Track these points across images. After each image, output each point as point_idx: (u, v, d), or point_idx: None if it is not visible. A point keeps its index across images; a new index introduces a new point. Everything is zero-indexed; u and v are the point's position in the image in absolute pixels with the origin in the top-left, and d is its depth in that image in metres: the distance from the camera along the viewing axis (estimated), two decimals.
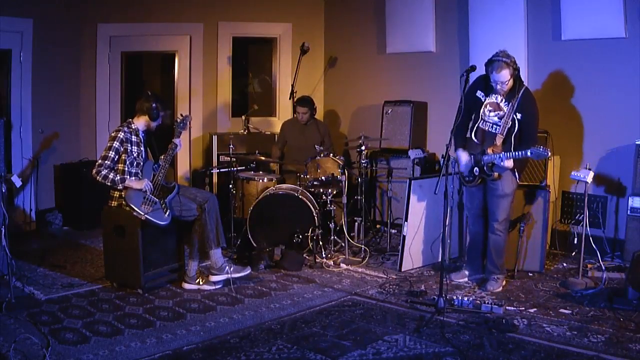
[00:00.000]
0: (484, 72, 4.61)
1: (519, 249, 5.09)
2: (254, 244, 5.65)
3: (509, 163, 4.51)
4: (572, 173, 4.80)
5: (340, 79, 7.88)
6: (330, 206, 5.69)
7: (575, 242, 5.17)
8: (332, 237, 5.69)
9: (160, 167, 4.74)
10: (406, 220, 5.22)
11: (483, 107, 4.64)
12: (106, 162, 4.55)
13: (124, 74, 7.36)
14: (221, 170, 6.92)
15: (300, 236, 5.56)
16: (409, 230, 5.23)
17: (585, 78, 5.68)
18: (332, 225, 5.63)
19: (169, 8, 7.39)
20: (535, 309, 4.30)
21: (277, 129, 7.14)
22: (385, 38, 7.20)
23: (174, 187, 4.71)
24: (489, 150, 4.55)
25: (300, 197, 5.67)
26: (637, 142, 5.22)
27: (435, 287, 4.73)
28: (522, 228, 5.07)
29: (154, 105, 4.74)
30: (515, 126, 4.53)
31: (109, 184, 4.56)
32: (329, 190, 5.75)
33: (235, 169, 6.19)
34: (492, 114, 4.61)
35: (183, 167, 7.60)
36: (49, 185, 6.91)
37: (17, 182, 5.56)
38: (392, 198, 6.14)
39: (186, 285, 4.77)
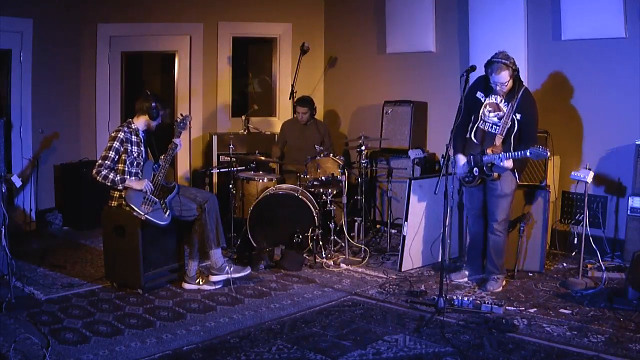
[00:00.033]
0: (483, 73, 4.61)
1: (519, 249, 5.09)
2: (254, 244, 5.65)
3: (509, 163, 4.52)
4: (572, 173, 4.80)
5: (340, 79, 7.88)
6: (330, 206, 5.69)
7: (575, 242, 5.17)
8: (332, 237, 5.69)
9: (161, 167, 4.74)
10: (406, 220, 5.22)
11: (483, 107, 4.65)
12: (106, 162, 4.55)
13: (124, 74, 7.36)
14: (221, 170, 6.92)
15: (300, 236, 5.56)
16: (409, 230, 5.23)
17: (585, 78, 5.68)
18: (332, 225, 5.63)
19: (169, 8, 7.39)
20: (535, 309, 4.30)
21: (277, 129, 7.14)
22: (385, 38, 7.20)
23: (174, 187, 4.71)
24: (489, 151, 4.56)
25: (300, 197, 5.67)
26: (637, 142, 5.22)
27: (435, 287, 4.73)
28: (522, 228, 5.07)
29: (153, 104, 4.74)
30: (514, 126, 4.53)
31: (109, 184, 4.56)
32: (329, 190, 5.75)
33: (235, 169, 6.19)
34: (491, 114, 4.61)
35: (183, 167, 7.60)
36: (49, 185, 6.91)
37: (17, 182, 5.56)
38: (392, 198, 6.14)
39: (186, 285, 4.77)
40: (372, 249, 5.91)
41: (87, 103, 7.18)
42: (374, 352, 3.59)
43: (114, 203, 4.65)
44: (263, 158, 6.20)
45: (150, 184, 4.59)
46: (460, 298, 4.35)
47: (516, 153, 4.43)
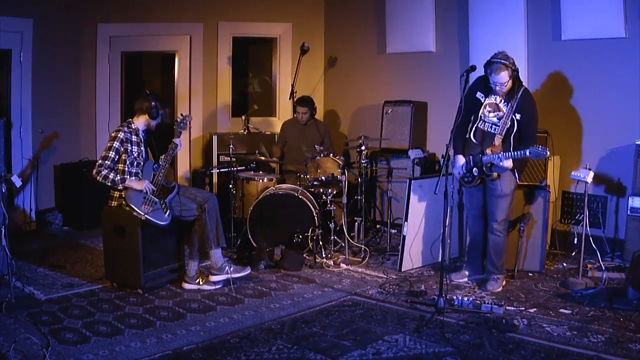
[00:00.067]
0: (483, 73, 4.61)
1: (519, 249, 5.09)
2: (254, 244, 5.65)
3: (508, 163, 4.52)
4: (572, 173, 4.81)
5: (340, 79, 7.88)
6: (330, 206, 5.69)
7: (575, 242, 5.17)
8: (332, 237, 5.69)
9: (161, 167, 4.74)
10: (406, 220, 5.22)
11: (482, 107, 4.65)
12: (106, 162, 4.55)
13: (124, 74, 7.36)
14: (221, 170, 6.92)
15: (300, 236, 5.56)
16: (409, 231, 5.23)
17: (585, 78, 5.68)
18: (332, 225, 5.63)
19: (169, 8, 7.39)
20: (535, 309, 4.30)
21: (277, 129, 7.14)
22: (385, 38, 7.20)
23: (174, 187, 4.71)
24: (488, 151, 4.56)
25: (300, 197, 5.67)
26: (637, 142, 5.22)
27: (435, 287, 4.73)
28: (522, 228, 5.07)
29: (153, 103, 4.74)
30: (514, 127, 4.53)
31: (109, 184, 4.56)
32: (329, 190, 5.75)
33: (235, 169, 6.19)
34: (491, 114, 4.61)
35: (183, 167, 7.60)
36: (49, 185, 6.91)
37: (17, 182, 5.56)
38: (392, 198, 6.14)
39: (186, 285, 4.77)
40: (372, 249, 5.91)
41: (87, 103, 7.18)
42: (374, 352, 3.59)
43: (114, 203, 4.65)
44: (263, 158, 6.19)
45: (151, 185, 4.58)
46: (460, 298, 4.35)
47: (516, 153, 4.43)
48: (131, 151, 4.65)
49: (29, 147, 6.61)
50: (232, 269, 4.75)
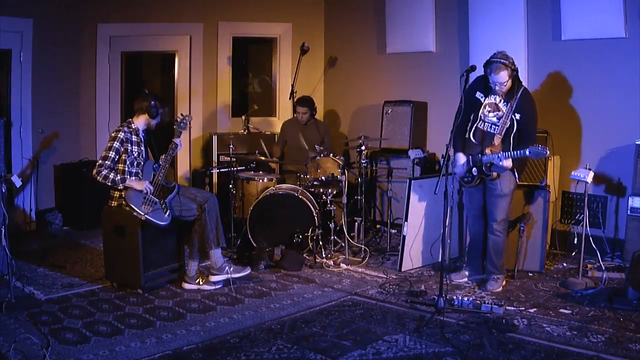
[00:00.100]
0: (482, 73, 4.61)
1: (519, 249, 5.09)
2: (254, 244, 5.65)
3: (508, 163, 4.51)
4: (572, 173, 4.80)
5: (340, 79, 7.88)
6: (330, 206, 5.69)
7: (575, 242, 5.17)
8: (332, 237, 5.69)
9: (161, 167, 4.74)
10: (406, 220, 5.22)
11: (482, 107, 4.65)
12: (106, 162, 4.55)
13: (124, 74, 7.36)
14: (221, 170, 6.92)
15: (300, 236, 5.55)
16: (409, 231, 5.23)
17: (585, 78, 5.68)
18: (332, 225, 5.63)
19: (169, 8, 7.39)
20: (535, 309, 4.30)
21: (277, 129, 7.14)
22: (385, 38, 7.20)
23: (174, 187, 4.71)
24: (488, 151, 4.56)
25: (300, 197, 5.67)
26: (637, 142, 5.22)
27: (435, 287, 4.73)
28: (522, 228, 5.07)
29: (152, 102, 4.74)
30: (513, 126, 4.53)
31: (109, 184, 4.56)
32: (329, 190, 5.75)
33: (235, 169, 6.19)
34: (491, 114, 4.61)
35: (183, 167, 7.60)
36: (49, 185, 6.91)
37: (17, 182, 5.56)
38: (392, 198, 6.14)
39: (186, 285, 4.77)
40: (372, 249, 5.91)
41: (87, 103, 7.18)
42: (374, 352, 3.59)
43: (114, 203, 4.65)
44: (263, 158, 6.20)
45: (151, 186, 4.58)
46: (460, 298, 4.35)
47: (516, 152, 4.43)
48: (131, 151, 4.65)
49: (29, 147, 6.61)
50: (232, 269, 4.75)
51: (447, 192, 4.17)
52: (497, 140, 4.55)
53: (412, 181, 5.22)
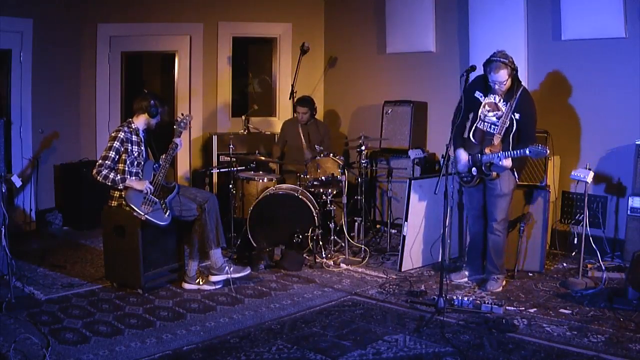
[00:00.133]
0: (482, 73, 4.61)
1: (519, 249, 5.09)
2: (254, 244, 5.65)
3: (508, 162, 4.51)
4: (572, 173, 4.80)
5: (340, 79, 7.88)
6: (330, 206, 5.69)
7: (575, 242, 5.17)
8: (332, 237, 5.69)
9: (161, 167, 4.74)
10: (406, 220, 5.22)
11: (481, 107, 4.65)
12: (106, 162, 4.55)
13: (124, 74, 7.36)
14: (221, 170, 6.93)
15: (300, 236, 5.55)
16: (409, 231, 5.23)
17: (585, 78, 5.68)
18: (332, 225, 5.63)
19: (169, 8, 7.39)
20: (535, 309, 4.30)
21: (277, 129, 7.14)
22: (385, 38, 7.20)
23: (174, 187, 4.71)
24: (487, 150, 4.56)
25: (300, 197, 5.67)
26: (637, 142, 5.22)
27: (435, 287, 4.73)
28: (522, 228, 5.07)
29: (152, 102, 4.74)
30: (513, 126, 4.53)
31: (109, 184, 4.56)
32: (329, 190, 5.75)
33: (235, 169, 6.19)
34: (490, 114, 4.61)
35: (183, 167, 7.60)
36: (49, 185, 6.91)
37: (17, 182, 5.56)
38: (392, 198, 6.14)
39: (186, 285, 4.77)
40: (372, 249, 5.91)
41: (87, 103, 7.18)
42: (374, 352, 3.59)
43: (114, 203, 4.65)
44: (263, 158, 6.19)
45: (151, 186, 4.58)
46: (460, 298, 4.35)
47: (516, 152, 4.43)
48: (131, 151, 4.65)
49: (29, 147, 6.61)
50: (232, 269, 4.75)
51: (447, 192, 4.17)
52: (496, 140, 4.54)
53: (412, 181, 5.22)
